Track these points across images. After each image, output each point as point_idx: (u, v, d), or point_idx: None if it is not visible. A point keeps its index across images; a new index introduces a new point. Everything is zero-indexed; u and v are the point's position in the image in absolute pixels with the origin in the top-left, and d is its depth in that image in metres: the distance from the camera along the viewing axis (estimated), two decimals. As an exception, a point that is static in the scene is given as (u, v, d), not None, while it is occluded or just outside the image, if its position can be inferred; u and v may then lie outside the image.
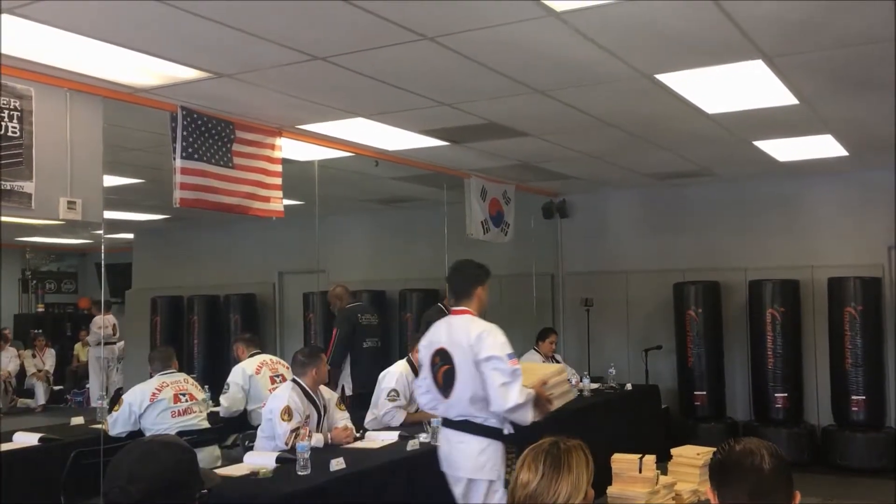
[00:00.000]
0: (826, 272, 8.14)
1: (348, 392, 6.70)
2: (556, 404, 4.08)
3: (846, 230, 8.25)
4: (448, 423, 4.01)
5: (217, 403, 6.31)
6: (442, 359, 4.02)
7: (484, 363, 3.80)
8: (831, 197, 8.38)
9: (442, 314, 6.94)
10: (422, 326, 7.09)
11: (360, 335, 6.93)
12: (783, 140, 6.64)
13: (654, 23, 3.83)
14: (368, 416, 5.67)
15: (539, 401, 3.89)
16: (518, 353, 7.64)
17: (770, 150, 7.03)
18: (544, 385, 3.98)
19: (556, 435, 2.17)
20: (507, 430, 3.94)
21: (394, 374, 5.67)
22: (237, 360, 6.54)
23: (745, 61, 4.42)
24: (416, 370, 5.75)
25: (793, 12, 3.71)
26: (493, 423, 3.90)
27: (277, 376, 6.22)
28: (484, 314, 4.18)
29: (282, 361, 6.49)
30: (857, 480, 7.32)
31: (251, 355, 6.43)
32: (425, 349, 4.18)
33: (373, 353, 6.96)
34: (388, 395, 5.58)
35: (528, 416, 3.83)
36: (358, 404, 5.58)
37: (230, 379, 6.28)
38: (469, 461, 3.89)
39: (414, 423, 5.45)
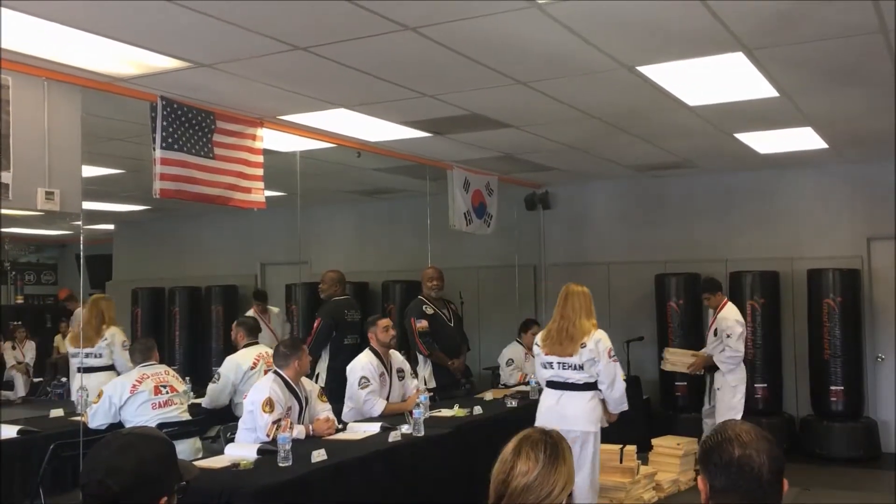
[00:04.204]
0: (805, 264, 8.21)
1: (321, 382, 6.67)
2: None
3: (825, 222, 8.32)
4: None
5: (198, 395, 6.27)
6: None
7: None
8: (811, 189, 8.44)
9: (423, 305, 6.98)
10: (405, 320, 7.10)
11: (343, 331, 6.86)
12: (763, 132, 6.67)
13: (636, 14, 3.83)
14: (346, 409, 5.69)
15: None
16: (500, 344, 7.79)
17: (750, 143, 7.07)
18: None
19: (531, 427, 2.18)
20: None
21: (358, 364, 5.74)
22: (234, 344, 6.45)
23: (725, 53, 4.44)
24: (380, 357, 5.77)
25: (772, 5, 3.73)
26: None
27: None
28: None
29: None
30: (835, 470, 7.41)
31: (246, 345, 6.37)
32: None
33: (353, 350, 6.89)
34: (359, 384, 5.62)
35: None
36: (332, 398, 5.58)
37: (223, 370, 6.20)
38: None
39: (395, 414, 5.46)
